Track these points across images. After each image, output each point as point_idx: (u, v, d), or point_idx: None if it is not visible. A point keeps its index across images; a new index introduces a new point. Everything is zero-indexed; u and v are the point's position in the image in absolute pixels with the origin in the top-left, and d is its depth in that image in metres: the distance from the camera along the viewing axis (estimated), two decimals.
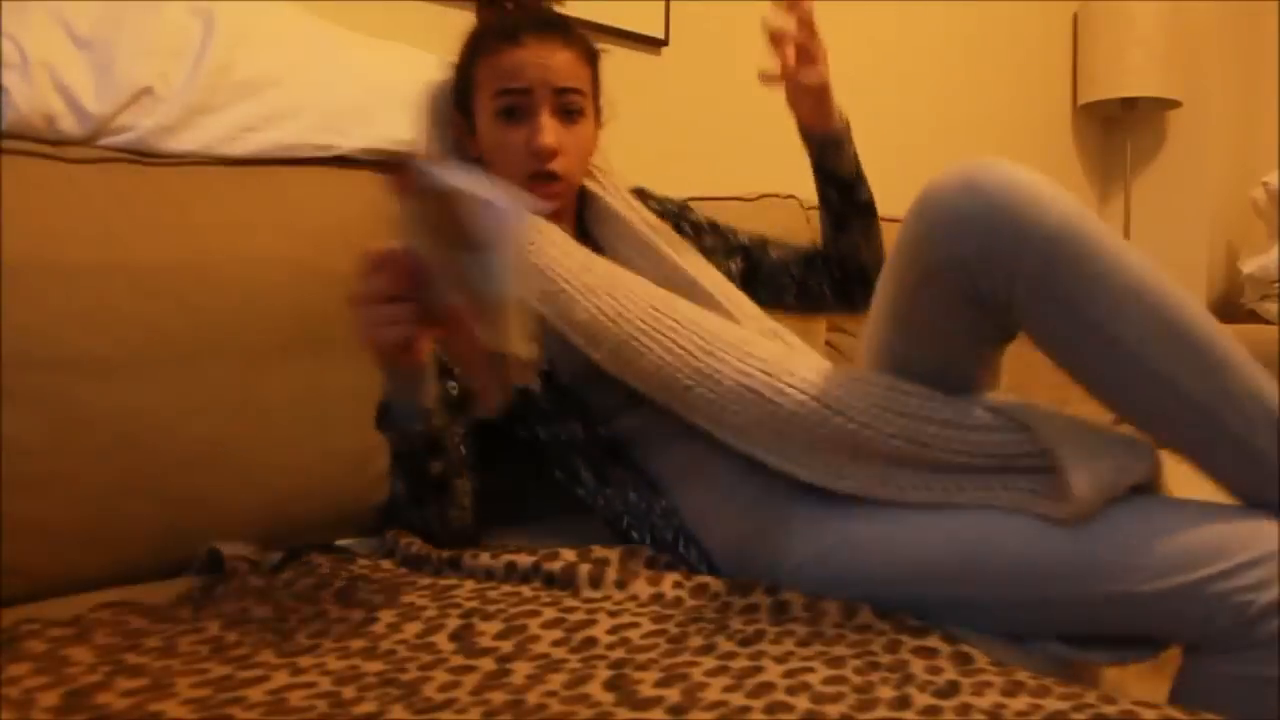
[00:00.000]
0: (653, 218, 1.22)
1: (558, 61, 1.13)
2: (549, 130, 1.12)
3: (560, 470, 1.07)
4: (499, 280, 0.74)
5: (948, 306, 0.86)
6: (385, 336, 0.81)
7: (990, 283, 0.82)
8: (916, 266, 0.86)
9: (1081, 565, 0.80)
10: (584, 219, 1.22)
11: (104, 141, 1.03)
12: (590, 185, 1.23)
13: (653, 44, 1.85)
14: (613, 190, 1.24)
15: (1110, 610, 0.80)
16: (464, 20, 1.26)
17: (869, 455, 0.88)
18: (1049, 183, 0.81)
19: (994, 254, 0.80)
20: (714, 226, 1.34)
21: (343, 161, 1.17)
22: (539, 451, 1.08)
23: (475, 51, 1.17)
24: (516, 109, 1.13)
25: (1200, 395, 0.78)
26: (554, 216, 1.17)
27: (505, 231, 0.73)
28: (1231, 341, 0.79)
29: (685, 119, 1.92)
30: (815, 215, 1.84)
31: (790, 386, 0.91)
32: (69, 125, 1.01)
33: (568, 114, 1.15)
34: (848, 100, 2.26)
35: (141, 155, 1.04)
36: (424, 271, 0.78)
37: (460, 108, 1.21)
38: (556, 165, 1.13)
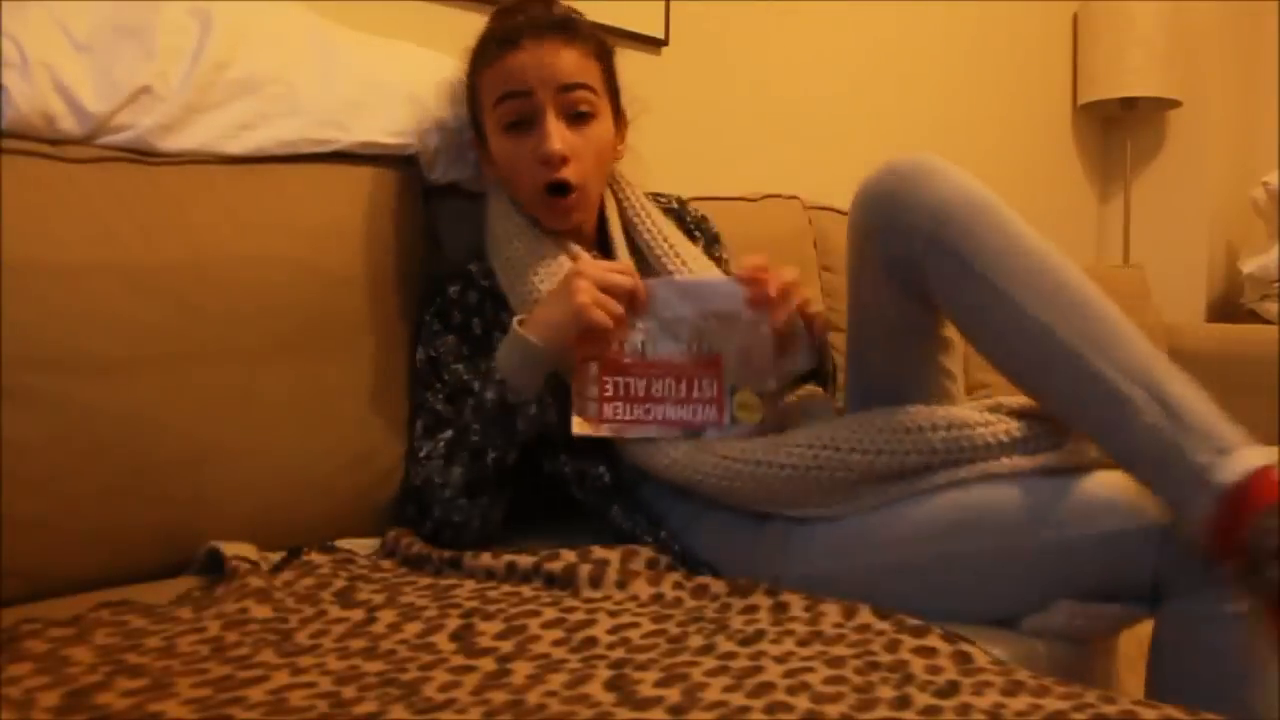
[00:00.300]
0: (674, 234, 1.18)
1: (558, 59, 1.07)
2: (555, 135, 1.06)
3: (576, 491, 1.07)
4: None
5: (876, 283, 0.96)
6: (592, 313, 0.96)
7: (897, 246, 0.91)
8: (852, 250, 0.97)
9: (1076, 507, 0.85)
10: (604, 234, 1.18)
11: (103, 140, 1.03)
12: (608, 200, 1.19)
13: (653, 44, 1.85)
14: (631, 206, 1.19)
15: (1100, 553, 0.84)
16: (461, 18, 1.26)
17: (885, 477, 0.93)
18: (959, 169, 0.91)
19: (896, 219, 0.91)
20: (716, 239, 1.32)
21: (341, 158, 1.17)
22: (554, 476, 1.09)
23: (476, 65, 1.14)
24: (521, 117, 1.08)
25: (1075, 343, 0.83)
26: (573, 233, 1.15)
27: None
28: (1115, 307, 0.85)
29: (685, 119, 1.92)
30: (817, 216, 1.85)
31: (794, 450, 0.94)
32: (68, 125, 1.00)
33: (577, 116, 1.09)
34: (849, 100, 2.26)
35: (141, 154, 1.04)
36: (643, 313, 1.01)
37: (476, 130, 1.18)
38: (569, 173, 1.08)
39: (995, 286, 0.86)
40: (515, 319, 1.01)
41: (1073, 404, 0.85)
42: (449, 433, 1.06)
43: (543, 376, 1.00)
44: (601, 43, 1.15)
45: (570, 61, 1.09)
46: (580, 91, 1.09)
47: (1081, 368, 0.82)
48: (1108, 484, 0.86)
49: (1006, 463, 0.91)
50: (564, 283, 0.99)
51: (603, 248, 1.18)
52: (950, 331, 1.00)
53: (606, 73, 1.16)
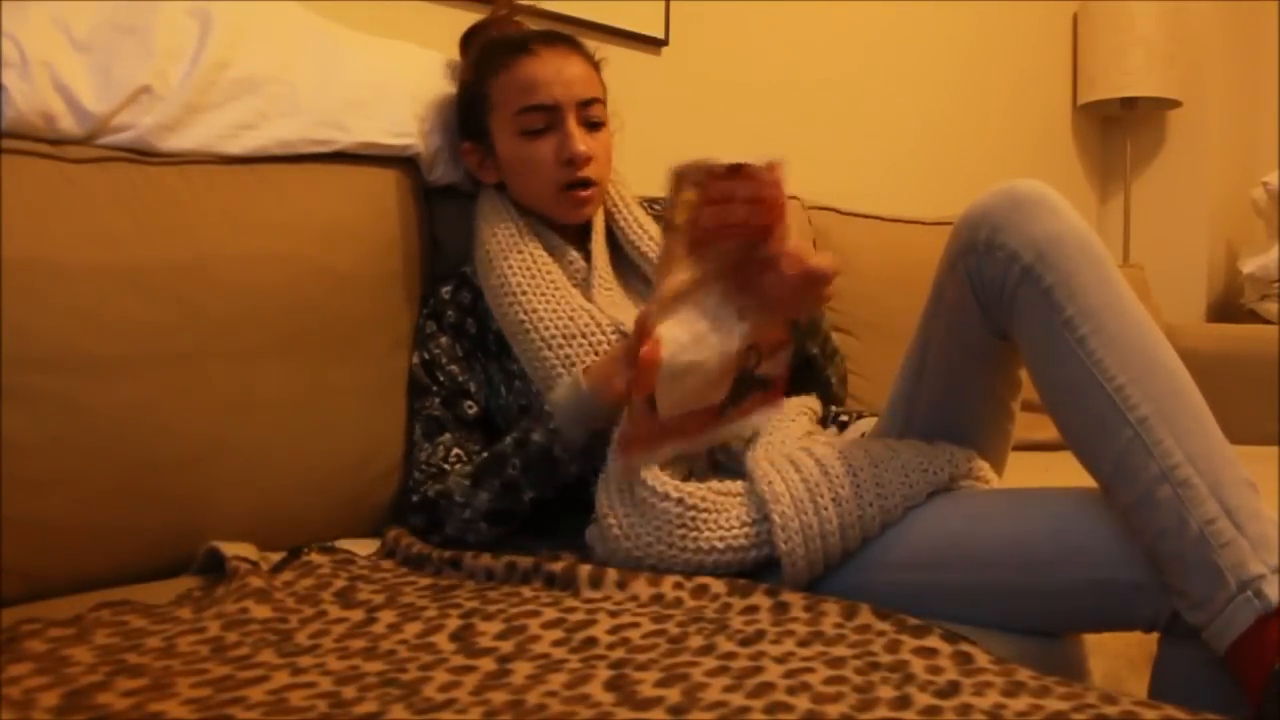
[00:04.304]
0: (657, 232, 1.21)
1: (576, 72, 1.14)
2: (580, 138, 1.13)
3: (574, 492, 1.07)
4: None
5: (961, 302, 0.91)
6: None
7: (993, 269, 0.87)
8: (945, 264, 0.93)
9: (1066, 550, 0.83)
10: (614, 234, 1.21)
11: (103, 140, 1.03)
12: (610, 200, 1.22)
13: (653, 44, 1.85)
14: (617, 207, 1.22)
15: (1092, 596, 0.82)
16: (461, 18, 1.26)
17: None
18: (1076, 211, 0.87)
19: (999, 241, 0.86)
20: None
21: (341, 158, 1.17)
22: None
23: (485, 70, 1.17)
24: (543, 124, 1.13)
25: (1146, 411, 0.79)
26: (559, 230, 1.17)
27: None
28: (1199, 396, 0.81)
29: (685, 119, 1.91)
30: (816, 216, 1.85)
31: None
32: (68, 124, 1.00)
33: (591, 124, 1.15)
34: (849, 101, 2.26)
35: (141, 154, 1.04)
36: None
37: (471, 133, 1.20)
38: (590, 172, 1.14)
39: (1080, 334, 0.82)
40: (580, 368, 1.01)
41: (1123, 473, 0.80)
42: (446, 437, 1.07)
43: (592, 427, 1.00)
44: (594, 58, 1.21)
45: (585, 75, 1.16)
46: (596, 106, 1.16)
47: (1146, 437, 0.78)
48: (1100, 527, 0.83)
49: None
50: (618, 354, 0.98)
51: (584, 244, 1.19)
52: (1024, 373, 0.95)
53: (602, 83, 1.21)
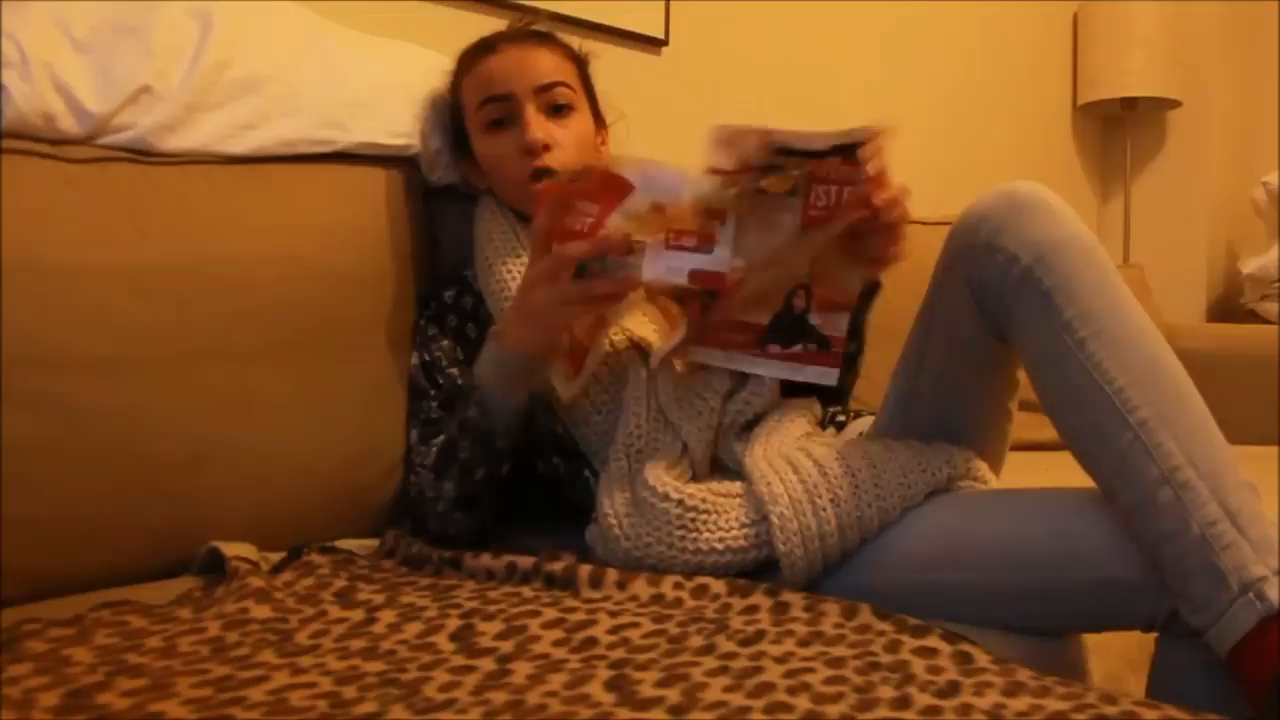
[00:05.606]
0: None
1: (535, 60, 1.12)
2: (535, 125, 1.10)
3: (569, 492, 1.07)
4: None
5: (958, 304, 0.91)
6: (558, 314, 0.91)
7: (992, 271, 0.86)
8: (942, 264, 0.92)
9: (1065, 550, 0.83)
10: None
11: (103, 140, 1.03)
12: None
13: (653, 44, 1.85)
14: None
15: (1091, 596, 0.82)
16: (461, 18, 1.26)
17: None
18: (1075, 214, 0.87)
19: (998, 244, 0.86)
20: None
21: (342, 158, 1.17)
22: (549, 477, 1.09)
23: (458, 77, 1.17)
24: (503, 115, 1.11)
25: (1147, 413, 0.79)
26: None
27: None
28: (1200, 400, 0.81)
29: (685, 119, 1.91)
30: None
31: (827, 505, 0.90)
32: (68, 124, 1.00)
33: (556, 109, 1.12)
34: (848, 100, 2.25)
35: (141, 154, 1.04)
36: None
37: (460, 142, 1.20)
38: (551, 160, 1.10)
39: (1080, 337, 0.82)
40: (491, 330, 0.99)
41: (1124, 474, 0.79)
42: (442, 438, 1.06)
43: (525, 387, 0.99)
44: (575, 51, 1.19)
45: (546, 61, 1.13)
46: (558, 88, 1.12)
47: (1147, 440, 0.78)
48: (1099, 527, 0.83)
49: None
50: (521, 290, 0.95)
51: None
52: (1022, 374, 0.95)
53: (582, 76, 1.19)
